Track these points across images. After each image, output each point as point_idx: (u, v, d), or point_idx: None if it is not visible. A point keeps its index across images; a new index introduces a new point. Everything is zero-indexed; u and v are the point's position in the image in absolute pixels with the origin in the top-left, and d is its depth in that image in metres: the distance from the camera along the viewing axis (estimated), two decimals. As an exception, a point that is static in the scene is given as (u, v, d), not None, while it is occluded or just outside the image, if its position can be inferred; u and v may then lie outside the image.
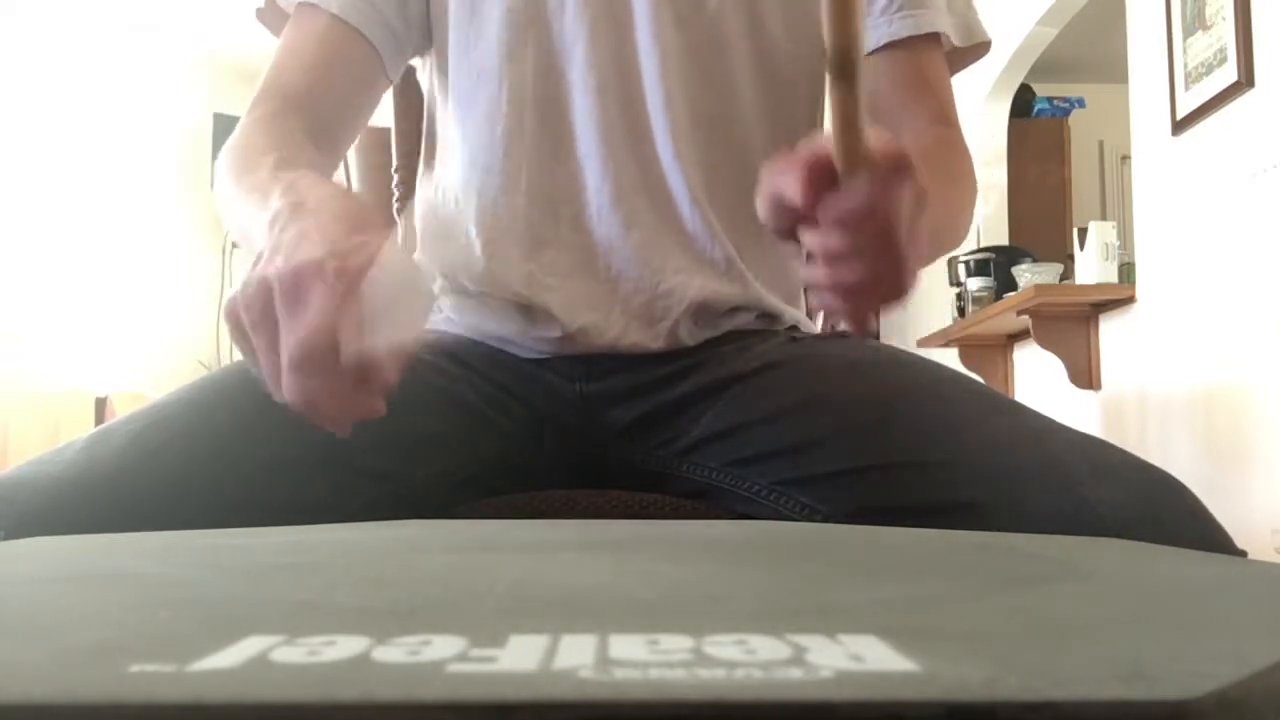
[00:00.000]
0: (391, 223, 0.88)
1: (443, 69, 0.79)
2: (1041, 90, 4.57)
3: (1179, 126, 2.58)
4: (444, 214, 0.79)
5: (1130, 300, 2.82)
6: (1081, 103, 4.69)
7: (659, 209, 0.75)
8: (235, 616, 0.19)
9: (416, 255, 0.82)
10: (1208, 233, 2.46)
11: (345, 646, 0.16)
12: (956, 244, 0.74)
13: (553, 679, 0.14)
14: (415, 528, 0.44)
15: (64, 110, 4.32)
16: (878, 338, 0.50)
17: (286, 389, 0.44)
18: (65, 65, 4.31)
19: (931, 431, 0.60)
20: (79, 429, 2.87)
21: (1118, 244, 2.91)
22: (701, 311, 0.74)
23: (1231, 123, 2.37)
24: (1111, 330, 2.96)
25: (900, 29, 0.76)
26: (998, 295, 3.34)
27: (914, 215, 0.46)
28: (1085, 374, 3.03)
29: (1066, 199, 4.55)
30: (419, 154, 0.88)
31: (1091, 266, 2.88)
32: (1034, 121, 4.59)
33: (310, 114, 0.71)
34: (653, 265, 0.74)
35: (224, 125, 4.31)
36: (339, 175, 1.00)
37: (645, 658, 0.15)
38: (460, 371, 0.72)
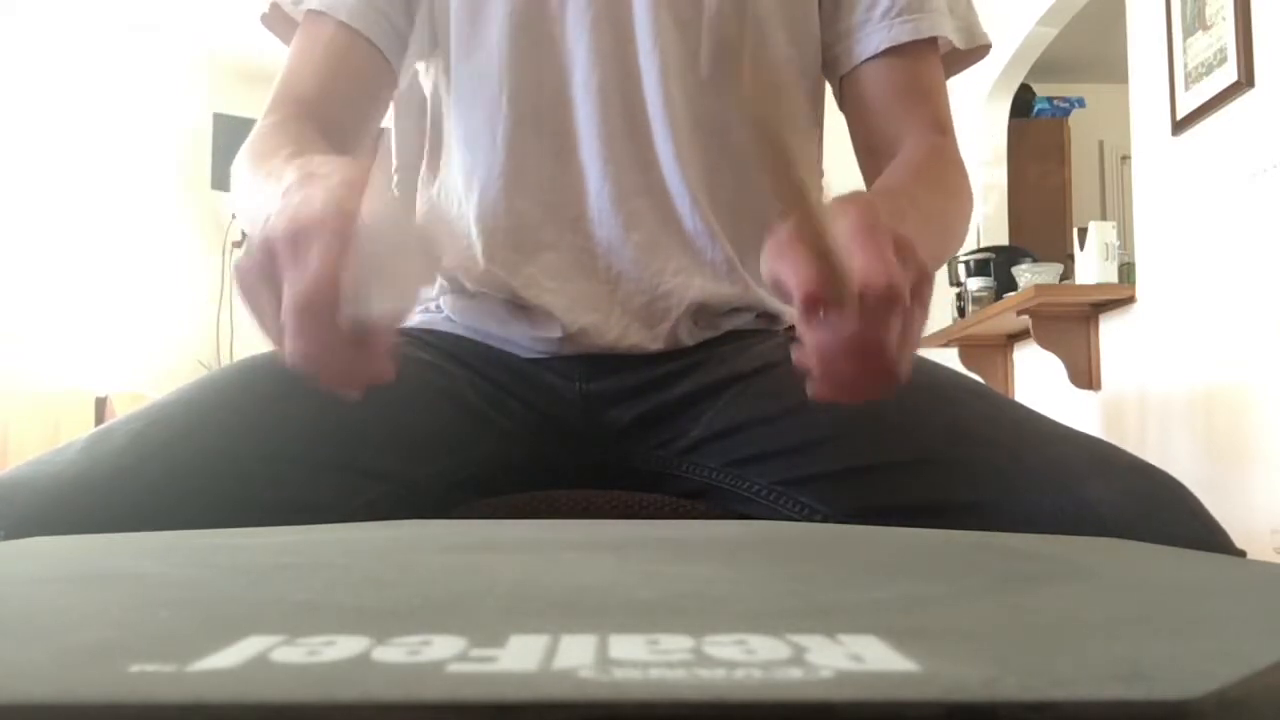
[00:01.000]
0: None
1: (444, 71, 0.79)
2: (1041, 90, 4.57)
3: (1179, 126, 2.58)
4: (444, 215, 0.79)
5: (1130, 300, 2.82)
6: (1081, 103, 4.69)
7: (659, 210, 0.75)
8: (235, 616, 0.19)
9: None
10: (1208, 233, 2.46)
11: (345, 646, 0.16)
12: (951, 255, 0.75)
13: (553, 679, 0.14)
14: (415, 528, 0.44)
15: (64, 110, 4.32)
16: None
17: (289, 344, 0.44)
18: (65, 65, 4.31)
19: (932, 431, 0.60)
20: (79, 429, 2.87)
21: (1118, 244, 2.91)
22: (701, 312, 0.74)
23: (1231, 123, 2.37)
24: (1111, 330, 2.96)
25: (900, 34, 0.76)
26: (998, 295, 3.34)
27: (909, 325, 0.46)
28: (1085, 374, 3.03)
29: (1066, 199, 4.55)
30: (419, 154, 0.88)
31: (1091, 266, 2.88)
32: (1034, 121, 4.59)
33: (322, 118, 0.72)
34: (653, 266, 0.74)
35: (224, 125, 4.30)
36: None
37: (645, 658, 0.15)
38: (460, 371, 0.72)
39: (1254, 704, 0.14)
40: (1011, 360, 3.68)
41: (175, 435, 0.57)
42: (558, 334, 0.73)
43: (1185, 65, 2.54)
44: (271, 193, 0.52)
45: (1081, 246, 2.96)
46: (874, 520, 0.56)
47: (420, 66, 0.86)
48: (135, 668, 0.15)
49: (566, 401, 0.73)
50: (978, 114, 4.06)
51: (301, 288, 0.43)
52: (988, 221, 4.03)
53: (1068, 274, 3.24)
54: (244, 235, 4.12)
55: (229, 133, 4.18)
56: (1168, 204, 2.67)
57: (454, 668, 0.15)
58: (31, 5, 4.15)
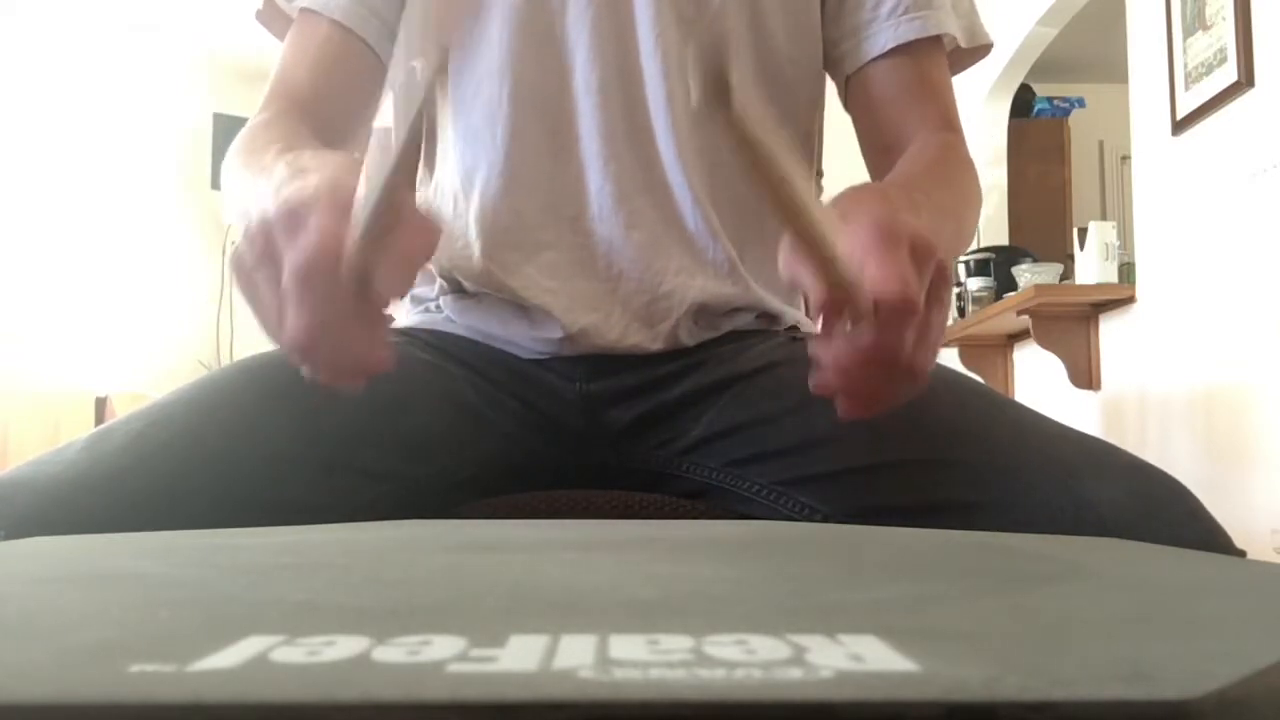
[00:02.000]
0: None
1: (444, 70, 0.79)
2: (1041, 90, 4.57)
3: (1179, 126, 2.58)
4: (443, 214, 0.79)
5: (1130, 300, 2.82)
6: (1081, 103, 4.69)
7: (661, 209, 0.75)
8: (235, 616, 0.19)
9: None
10: (1208, 233, 2.46)
11: (345, 646, 0.16)
12: (962, 251, 0.74)
13: (553, 679, 0.14)
14: (415, 528, 0.44)
15: (64, 110, 4.32)
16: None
17: (290, 321, 0.44)
18: (65, 65, 4.31)
19: (932, 431, 0.60)
20: (79, 429, 2.87)
21: (1118, 244, 2.91)
22: (702, 312, 0.74)
23: (1231, 123, 2.37)
24: (1111, 330, 2.96)
25: (907, 32, 0.76)
26: (998, 295, 3.34)
27: (928, 329, 0.46)
28: (1085, 374, 3.03)
29: (1066, 199, 4.56)
30: (418, 154, 0.88)
31: (1091, 266, 2.89)
32: (1034, 121, 4.59)
33: (315, 117, 0.72)
34: (654, 266, 0.74)
35: (224, 125, 4.30)
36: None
37: (645, 658, 0.15)
38: (460, 371, 0.72)
39: (1254, 704, 0.14)
40: (1011, 360, 3.68)
41: (175, 435, 0.57)
42: (558, 334, 0.73)
43: (1185, 65, 2.54)
44: (263, 187, 0.51)
45: (1081, 246, 2.96)
46: (874, 520, 0.56)
47: (417, 65, 0.86)
48: (135, 668, 0.15)
49: (566, 402, 0.73)
50: (978, 114, 4.06)
51: (301, 255, 0.43)
52: (988, 221, 4.03)
53: (1068, 274, 3.24)
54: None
55: (229, 133, 4.17)
56: (1168, 204, 2.67)
57: (454, 668, 0.15)
58: (31, 5, 4.15)
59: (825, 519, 0.61)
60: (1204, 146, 2.49)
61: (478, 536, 0.37)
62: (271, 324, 0.46)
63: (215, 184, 4.25)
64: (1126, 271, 2.88)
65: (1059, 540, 0.37)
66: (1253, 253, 2.27)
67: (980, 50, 0.82)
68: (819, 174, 0.90)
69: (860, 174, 0.81)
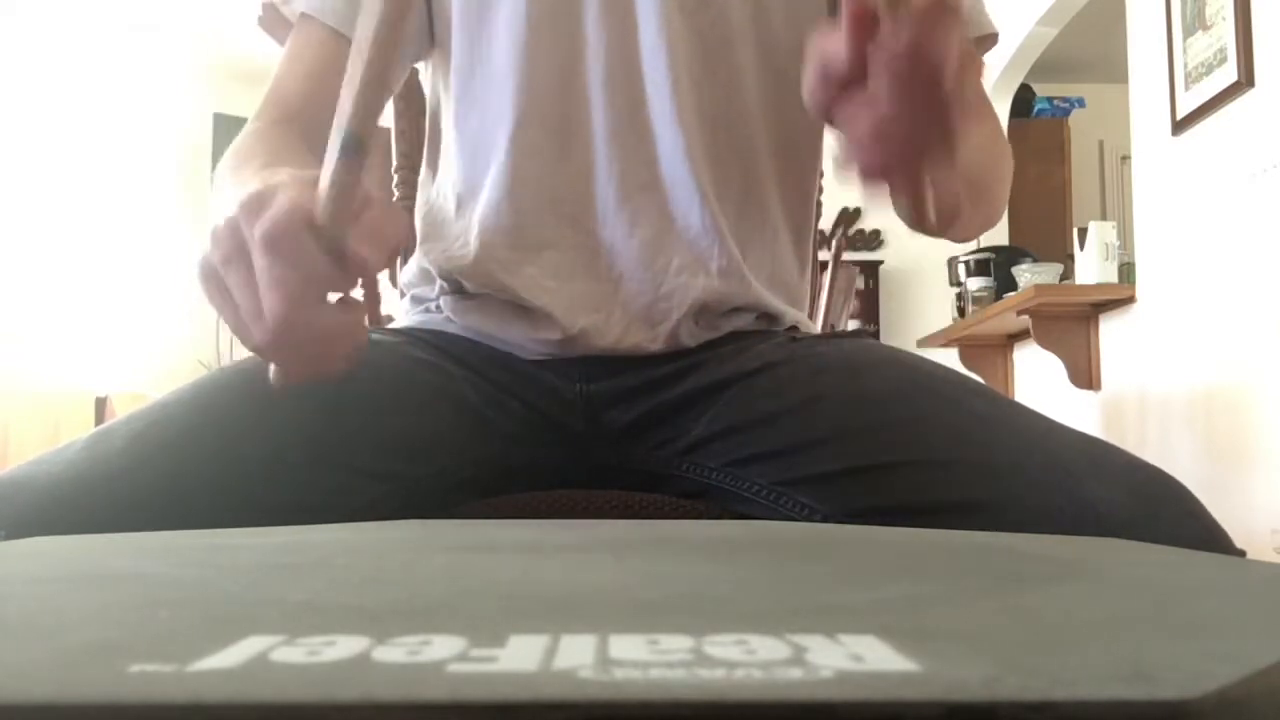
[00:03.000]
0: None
1: (445, 70, 0.79)
2: (1041, 90, 4.57)
3: (1179, 126, 2.58)
4: (445, 214, 0.79)
5: (1130, 300, 2.82)
6: (1081, 103, 4.69)
7: (664, 208, 0.75)
8: (235, 616, 0.19)
9: (416, 253, 0.82)
10: (1208, 233, 2.46)
11: (345, 646, 0.16)
12: (993, 204, 0.70)
13: (553, 679, 0.14)
14: (415, 528, 0.44)
15: (64, 110, 4.32)
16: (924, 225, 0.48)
17: (266, 304, 0.44)
18: (65, 65, 4.31)
19: (931, 431, 0.60)
20: (79, 429, 2.87)
21: (1118, 244, 2.91)
22: (702, 312, 0.74)
23: (1231, 123, 2.37)
24: (1111, 330, 2.97)
25: None
26: (998, 295, 3.34)
27: (960, 66, 0.42)
28: (1085, 374, 3.03)
29: (1066, 199, 4.56)
30: (419, 154, 0.88)
31: (1091, 266, 2.89)
32: (1034, 121, 4.60)
33: (310, 124, 0.72)
34: (655, 266, 0.74)
35: (224, 125, 4.30)
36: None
37: (645, 658, 0.15)
38: (460, 371, 0.72)
39: (1254, 704, 0.14)
40: (1011, 360, 3.69)
41: (175, 435, 0.57)
42: (557, 335, 0.73)
43: (1185, 65, 2.54)
44: (233, 196, 0.51)
45: (1081, 246, 2.97)
46: (874, 520, 0.56)
47: (420, 66, 0.86)
48: (135, 668, 0.15)
49: (566, 402, 0.73)
50: (978, 114, 4.05)
51: (269, 222, 0.43)
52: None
53: (1068, 274, 3.24)
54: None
55: (229, 133, 4.18)
56: (1168, 204, 2.67)
57: (454, 668, 0.15)
58: (31, 5, 4.15)
59: (825, 519, 0.61)
60: (1204, 146, 2.49)
61: (478, 536, 0.37)
62: (244, 323, 0.46)
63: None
64: (1126, 271, 2.88)
65: (1059, 540, 0.37)
66: (1253, 253, 2.27)
67: (986, 40, 0.81)
68: (820, 173, 0.90)
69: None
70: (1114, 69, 3.54)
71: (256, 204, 0.45)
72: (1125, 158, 3.89)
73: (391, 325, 0.85)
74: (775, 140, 0.78)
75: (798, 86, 0.79)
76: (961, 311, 3.56)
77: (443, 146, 0.81)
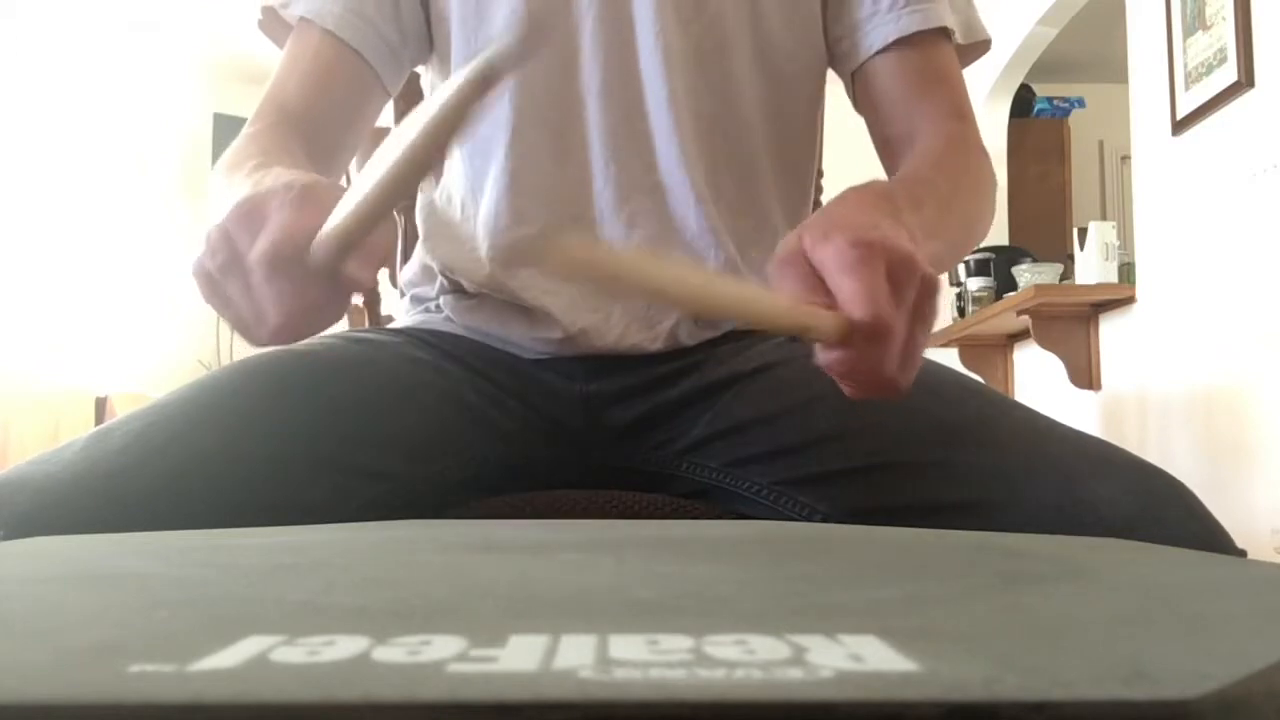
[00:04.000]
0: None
1: (445, 74, 0.79)
2: (1041, 90, 4.57)
3: (1179, 126, 2.58)
4: (445, 215, 0.80)
5: (1130, 300, 2.82)
6: (1081, 103, 4.69)
7: (662, 209, 0.75)
8: (235, 616, 0.19)
9: (417, 252, 0.82)
10: (1208, 233, 2.46)
11: (345, 646, 0.16)
12: (978, 242, 0.74)
13: (553, 679, 0.14)
14: (415, 528, 0.44)
15: (64, 110, 4.32)
16: None
17: (266, 314, 0.46)
18: (65, 65, 4.31)
19: (930, 430, 0.60)
20: (79, 429, 2.87)
21: (1118, 244, 2.91)
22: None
23: (1231, 123, 2.37)
24: (1111, 330, 2.96)
25: (909, 24, 0.75)
26: (998, 295, 3.34)
27: (911, 344, 0.46)
28: (1085, 374, 3.03)
29: (1066, 199, 4.56)
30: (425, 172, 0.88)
31: (1091, 266, 2.88)
32: (1034, 121, 4.59)
33: (307, 127, 0.72)
34: None
35: (224, 125, 4.30)
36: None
37: (645, 658, 0.15)
38: (460, 371, 0.72)
39: (1254, 704, 0.14)
40: (1011, 360, 3.69)
41: (174, 435, 0.57)
42: (558, 335, 0.73)
43: (1185, 65, 2.54)
44: (227, 198, 0.52)
45: (1081, 246, 2.96)
46: (874, 520, 0.56)
47: (420, 70, 0.86)
48: (135, 668, 0.15)
49: (566, 402, 0.73)
50: (978, 114, 4.05)
51: (266, 244, 0.44)
52: (988, 221, 4.02)
53: (1068, 274, 3.24)
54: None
55: (229, 133, 4.17)
56: (1168, 204, 2.67)
57: (454, 668, 0.15)
58: (31, 5, 4.15)
59: (825, 519, 0.61)
60: (1204, 146, 2.49)
61: (478, 536, 0.37)
62: (246, 323, 0.47)
63: (215, 184, 4.24)
64: (1126, 271, 2.88)
65: (1059, 540, 0.37)
66: (1253, 253, 2.27)
67: (979, 47, 0.81)
68: (819, 173, 0.90)
69: (859, 173, 0.81)
70: (1114, 69, 3.54)
71: (249, 212, 0.46)
72: (1125, 158, 3.89)
73: (391, 325, 0.85)
74: (772, 141, 0.78)
75: (793, 90, 0.80)
76: (961, 311, 3.56)
77: (448, 153, 0.81)
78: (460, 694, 0.13)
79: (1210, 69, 2.42)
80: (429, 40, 0.80)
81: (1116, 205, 4.77)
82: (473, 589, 0.24)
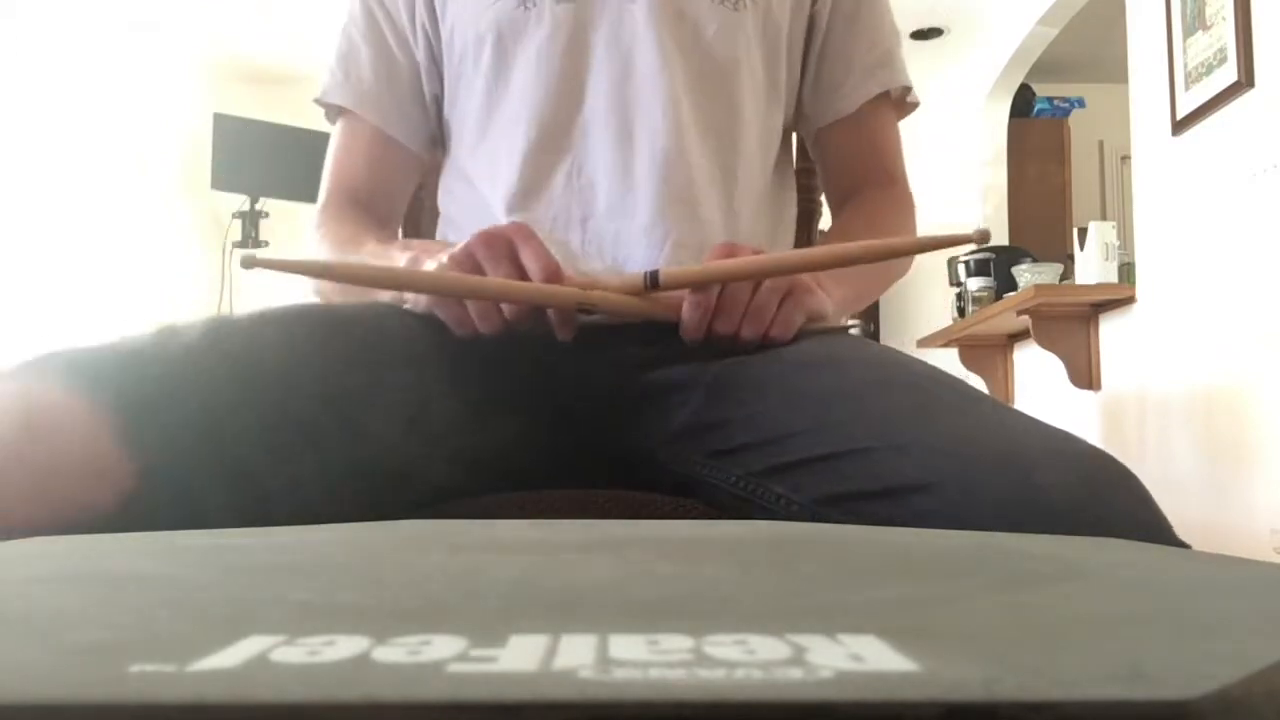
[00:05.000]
0: None
1: (461, 118, 0.87)
2: (1041, 90, 4.56)
3: (1179, 126, 2.58)
4: (460, 221, 0.87)
5: (1130, 300, 2.82)
6: (1081, 103, 4.69)
7: (663, 214, 0.80)
8: (235, 616, 0.19)
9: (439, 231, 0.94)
10: (1208, 233, 2.46)
11: (345, 646, 0.16)
12: (894, 277, 0.93)
13: (553, 679, 0.14)
14: (415, 528, 0.44)
15: (64, 110, 4.32)
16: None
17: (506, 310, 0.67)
18: (65, 65, 4.31)
19: (897, 418, 0.61)
20: (79, 429, 2.85)
21: (1118, 244, 2.91)
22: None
23: (1231, 123, 2.37)
24: (1111, 330, 2.96)
25: (871, 89, 0.90)
26: (998, 295, 3.34)
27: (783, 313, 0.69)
28: (1085, 374, 3.03)
29: (1066, 199, 4.55)
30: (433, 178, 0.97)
31: (1091, 266, 2.88)
32: (1034, 121, 4.59)
33: (368, 205, 0.89)
34: (656, 260, 0.79)
35: (224, 125, 4.29)
36: None
37: (645, 658, 0.15)
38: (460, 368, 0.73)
39: (1254, 704, 0.14)
40: (1011, 360, 3.69)
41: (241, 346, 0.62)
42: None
43: (1185, 65, 2.54)
44: (394, 258, 0.76)
45: (1081, 246, 2.96)
46: (839, 506, 0.58)
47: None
48: (135, 668, 0.15)
49: (553, 371, 0.74)
50: (978, 114, 4.06)
51: (542, 263, 0.65)
52: (987, 222, 4.03)
53: (1068, 274, 3.24)
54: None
55: (229, 133, 4.18)
56: (1168, 204, 2.67)
57: (454, 668, 0.15)
58: (31, 5, 4.15)
59: (800, 507, 0.62)
60: (1204, 146, 2.49)
61: (478, 536, 0.37)
62: (468, 320, 0.68)
63: (215, 184, 4.24)
64: (1126, 271, 2.87)
65: (1058, 540, 0.37)
66: (1253, 253, 2.27)
67: (907, 106, 0.95)
68: (816, 204, 1.05)
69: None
70: (1114, 69, 3.54)
71: (488, 244, 0.66)
72: (1125, 158, 3.88)
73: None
74: (770, 144, 0.88)
75: (764, 114, 0.88)
76: (961, 311, 3.56)
77: (461, 167, 0.88)
78: (460, 694, 0.13)
79: (1210, 69, 2.42)
80: (439, 81, 0.91)
81: (1116, 205, 4.77)
82: (473, 589, 0.24)
